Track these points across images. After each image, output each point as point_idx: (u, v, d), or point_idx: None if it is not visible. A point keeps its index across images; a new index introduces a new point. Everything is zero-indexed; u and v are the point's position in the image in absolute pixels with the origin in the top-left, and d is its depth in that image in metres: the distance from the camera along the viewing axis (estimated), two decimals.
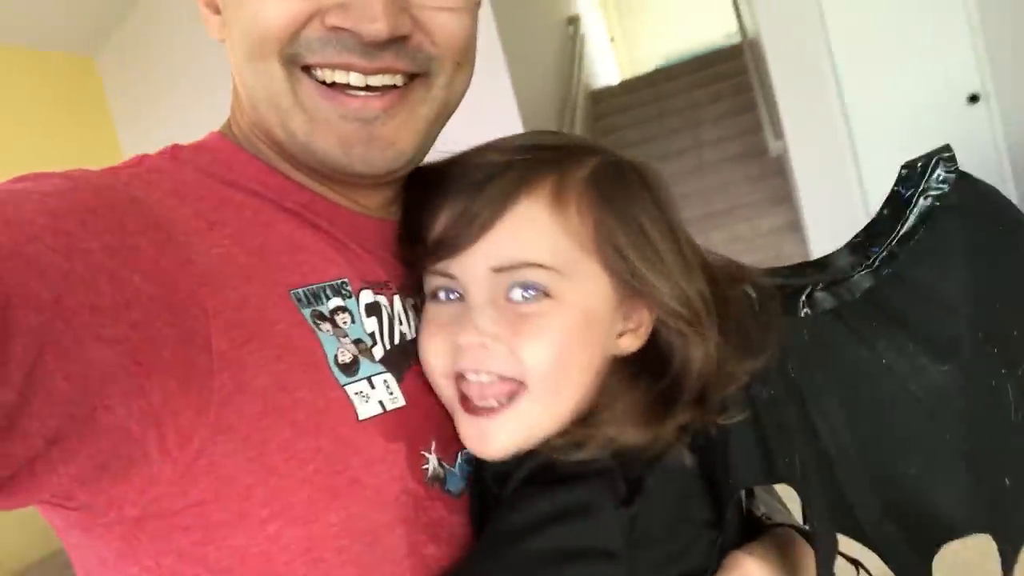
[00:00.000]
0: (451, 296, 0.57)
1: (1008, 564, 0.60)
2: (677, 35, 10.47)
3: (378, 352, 0.56)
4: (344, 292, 0.55)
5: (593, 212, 0.55)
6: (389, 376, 0.55)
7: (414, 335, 0.59)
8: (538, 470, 0.53)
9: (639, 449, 0.53)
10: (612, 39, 10.83)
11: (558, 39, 6.72)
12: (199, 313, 0.46)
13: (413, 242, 0.59)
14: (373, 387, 0.54)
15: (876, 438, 0.63)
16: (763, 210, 5.29)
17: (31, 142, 4.35)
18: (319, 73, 0.54)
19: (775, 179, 5.36)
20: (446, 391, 0.57)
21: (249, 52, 0.55)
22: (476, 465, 0.58)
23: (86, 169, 0.51)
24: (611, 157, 0.59)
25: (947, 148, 0.62)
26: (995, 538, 0.61)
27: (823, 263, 0.65)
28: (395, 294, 0.59)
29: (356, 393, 0.52)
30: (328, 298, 0.54)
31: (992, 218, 0.62)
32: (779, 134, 4.82)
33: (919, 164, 0.63)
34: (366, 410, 0.52)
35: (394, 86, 0.56)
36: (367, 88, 0.55)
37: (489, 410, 0.55)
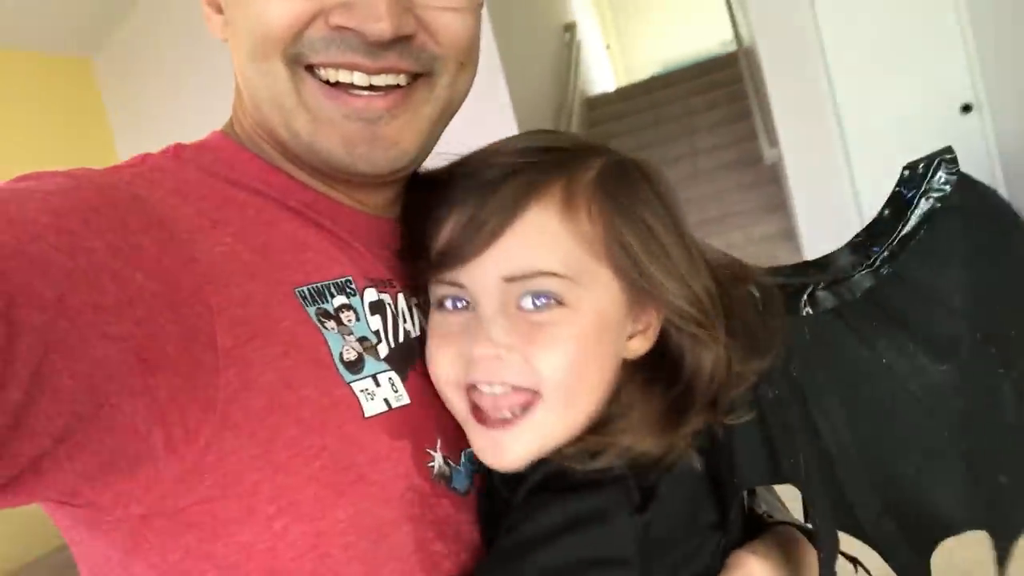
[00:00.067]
0: (458, 304, 0.56)
1: (1003, 560, 0.61)
2: (673, 43, 10.53)
3: (383, 350, 0.55)
4: (348, 290, 0.55)
5: (603, 215, 0.54)
6: (394, 374, 0.55)
7: (418, 333, 0.59)
8: (551, 477, 0.53)
9: (654, 457, 0.53)
10: (608, 46, 10.88)
11: (555, 46, 6.75)
12: (203, 310, 0.46)
13: (415, 257, 0.58)
14: (378, 385, 0.53)
15: (876, 437, 0.63)
16: (757, 218, 5.32)
17: (27, 143, 4.35)
18: (323, 73, 0.54)
19: (769, 187, 5.39)
20: (457, 403, 0.56)
21: (252, 52, 0.54)
22: (484, 466, 0.57)
23: (89, 168, 0.51)
24: (615, 156, 0.59)
25: (949, 150, 0.62)
26: (992, 536, 0.61)
27: (824, 262, 0.65)
28: (399, 292, 0.59)
29: (362, 391, 0.52)
30: (332, 296, 0.54)
31: (993, 220, 0.62)
32: (774, 142, 4.84)
33: (921, 165, 0.63)
34: (371, 407, 0.52)
35: (397, 86, 0.55)
36: (371, 88, 0.54)
37: (504, 422, 0.54)
